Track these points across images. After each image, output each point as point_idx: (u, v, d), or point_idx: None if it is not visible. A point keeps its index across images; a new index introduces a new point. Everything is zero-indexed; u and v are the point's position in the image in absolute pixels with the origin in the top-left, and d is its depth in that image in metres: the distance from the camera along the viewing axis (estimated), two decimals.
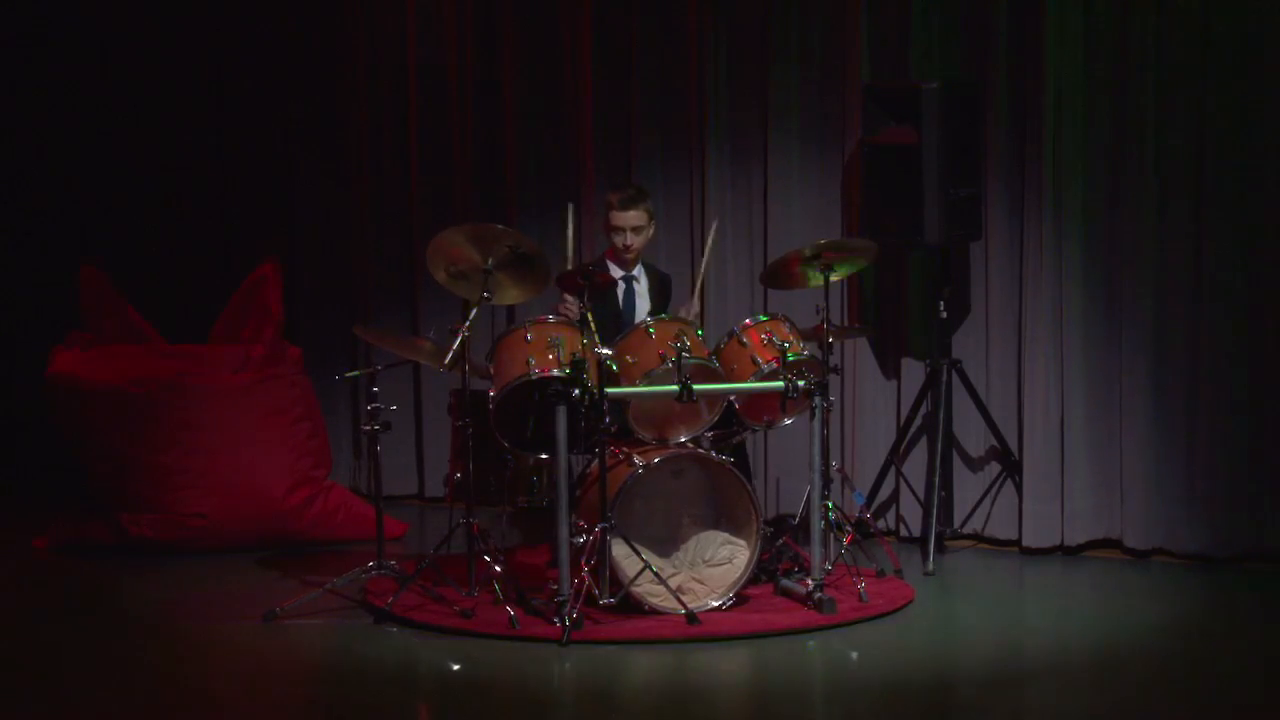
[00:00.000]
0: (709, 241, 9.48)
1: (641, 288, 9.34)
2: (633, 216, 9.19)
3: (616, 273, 9.24)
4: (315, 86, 11.22)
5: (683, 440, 8.73)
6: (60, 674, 7.94)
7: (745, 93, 10.24)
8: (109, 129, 11.73)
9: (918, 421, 9.88)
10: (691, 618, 8.40)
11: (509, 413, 8.64)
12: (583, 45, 10.56)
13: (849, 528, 9.11)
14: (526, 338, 8.60)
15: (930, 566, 9.41)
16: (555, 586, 8.36)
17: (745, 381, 8.70)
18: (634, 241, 9.21)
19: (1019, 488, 9.78)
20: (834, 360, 9.13)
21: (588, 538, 8.42)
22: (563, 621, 8.22)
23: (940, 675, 7.94)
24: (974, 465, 9.92)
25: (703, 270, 9.46)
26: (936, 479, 9.64)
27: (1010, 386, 9.82)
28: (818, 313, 8.94)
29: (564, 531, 8.34)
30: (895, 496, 10.04)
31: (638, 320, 9.05)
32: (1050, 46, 9.52)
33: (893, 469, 9.95)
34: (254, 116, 11.41)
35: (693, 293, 9.36)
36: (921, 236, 9.52)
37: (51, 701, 7.61)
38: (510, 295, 8.90)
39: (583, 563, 8.38)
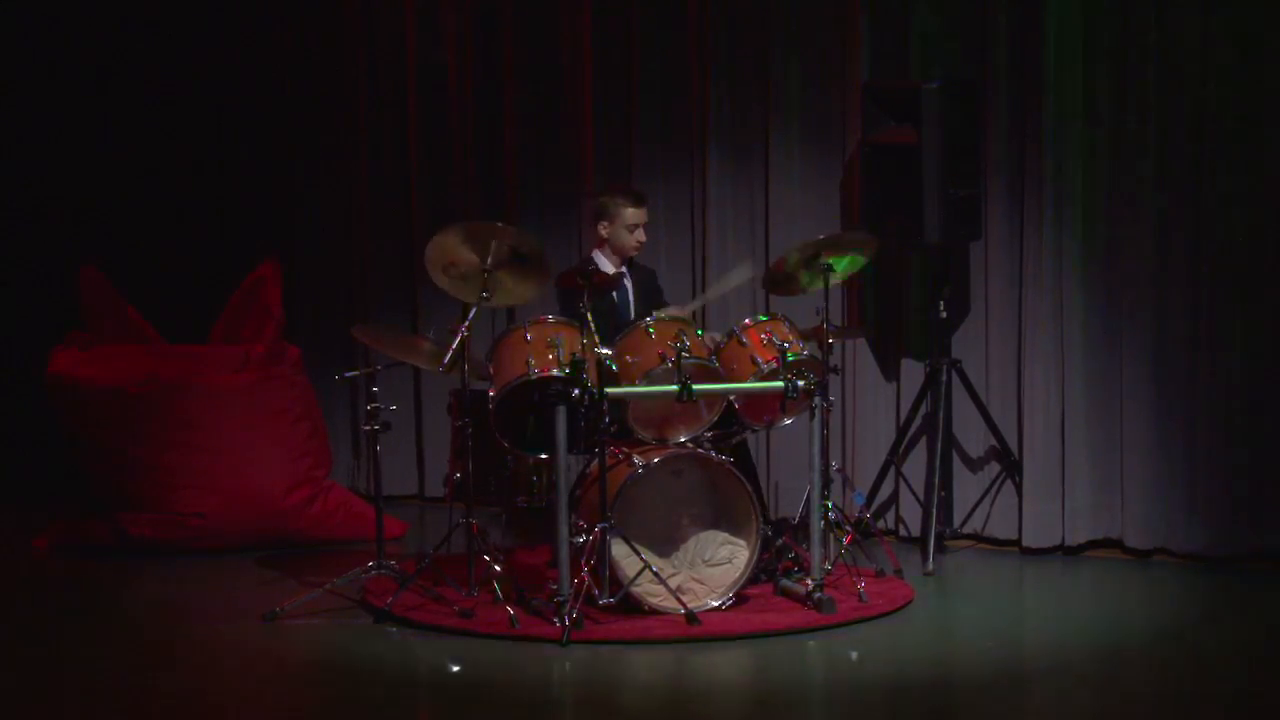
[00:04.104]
0: (735, 275, 9.55)
1: (631, 284, 9.33)
2: (645, 213, 9.24)
3: (610, 270, 9.23)
4: (315, 86, 11.22)
5: (683, 440, 8.73)
6: (60, 674, 7.93)
7: (745, 93, 10.24)
8: (109, 129, 11.73)
9: (917, 421, 9.88)
10: (691, 618, 8.39)
11: (509, 413, 8.64)
12: (583, 45, 10.56)
13: (849, 528, 9.11)
14: (526, 338, 8.60)
15: (930, 566, 9.41)
16: (555, 586, 8.36)
17: (745, 381, 8.70)
18: (644, 238, 9.26)
19: (1019, 488, 9.77)
20: (834, 360, 9.13)
21: (588, 538, 8.42)
22: (563, 621, 8.22)
23: (940, 675, 7.93)
24: (974, 465, 9.92)
25: (716, 290, 9.57)
26: (936, 479, 9.63)
27: (1010, 386, 9.82)
28: (818, 313, 8.94)
29: (564, 531, 8.34)
30: (895, 496, 10.04)
31: (629, 317, 9.06)
32: (1050, 46, 9.52)
33: (893, 469, 9.95)
34: (254, 117, 11.41)
35: (694, 297, 9.36)
36: (921, 236, 9.52)
37: (51, 702, 7.60)
38: (510, 295, 8.89)
39: (583, 563, 8.37)
